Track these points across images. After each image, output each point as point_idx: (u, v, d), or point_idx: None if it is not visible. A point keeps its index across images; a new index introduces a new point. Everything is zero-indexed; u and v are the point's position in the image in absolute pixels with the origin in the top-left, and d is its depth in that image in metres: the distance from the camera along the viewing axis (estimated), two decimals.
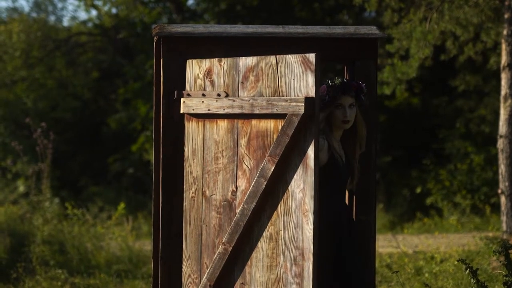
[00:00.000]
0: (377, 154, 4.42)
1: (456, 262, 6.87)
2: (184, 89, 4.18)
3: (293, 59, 3.81)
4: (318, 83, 3.75)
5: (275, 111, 3.82)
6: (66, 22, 24.34)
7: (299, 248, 3.77)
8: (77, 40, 18.02)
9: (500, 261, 4.97)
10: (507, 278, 4.65)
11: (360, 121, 4.12)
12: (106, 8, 18.07)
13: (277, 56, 3.87)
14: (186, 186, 4.16)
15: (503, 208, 8.26)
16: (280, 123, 3.83)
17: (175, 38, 4.21)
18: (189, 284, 4.12)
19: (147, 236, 10.52)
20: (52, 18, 18.66)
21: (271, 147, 3.84)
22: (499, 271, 6.21)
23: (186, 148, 4.17)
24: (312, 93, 3.74)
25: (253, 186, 3.88)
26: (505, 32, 8.31)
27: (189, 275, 4.13)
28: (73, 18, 19.93)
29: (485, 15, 8.59)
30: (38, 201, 9.33)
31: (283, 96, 3.84)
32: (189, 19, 16.30)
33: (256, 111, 3.88)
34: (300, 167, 3.77)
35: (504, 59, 8.32)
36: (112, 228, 9.38)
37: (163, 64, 4.21)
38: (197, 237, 4.11)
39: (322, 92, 4.00)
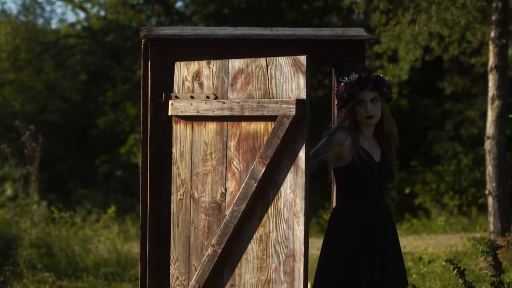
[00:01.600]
0: None
1: (443, 263, 6.89)
2: (172, 91, 4.16)
3: (283, 61, 3.81)
4: (309, 85, 3.75)
5: (266, 113, 3.82)
6: (54, 25, 24.26)
7: (290, 249, 3.76)
8: (66, 43, 17.95)
9: (488, 262, 4.99)
10: (494, 279, 4.66)
11: (387, 116, 3.99)
12: (94, 11, 18.02)
13: (267, 58, 3.86)
14: (174, 188, 4.15)
15: (490, 209, 8.29)
16: (270, 125, 3.82)
17: (163, 40, 4.19)
18: (177, 286, 4.10)
19: (135, 239, 10.49)
20: (40, 21, 18.60)
21: (261, 149, 3.83)
22: (486, 272, 6.23)
23: (174, 150, 4.16)
24: (303, 95, 3.74)
25: (243, 188, 3.87)
26: (492, 34, 8.34)
27: (177, 278, 4.11)
28: (62, 20, 19.86)
29: (472, 16, 8.62)
30: (26, 204, 9.28)
31: (273, 98, 3.84)
32: (178, 21, 16.29)
33: (246, 113, 3.87)
34: (291, 169, 3.77)
35: (491, 61, 8.34)
36: (100, 230, 9.34)
37: (151, 66, 4.19)
38: (185, 239, 4.09)
39: (341, 90, 3.95)
